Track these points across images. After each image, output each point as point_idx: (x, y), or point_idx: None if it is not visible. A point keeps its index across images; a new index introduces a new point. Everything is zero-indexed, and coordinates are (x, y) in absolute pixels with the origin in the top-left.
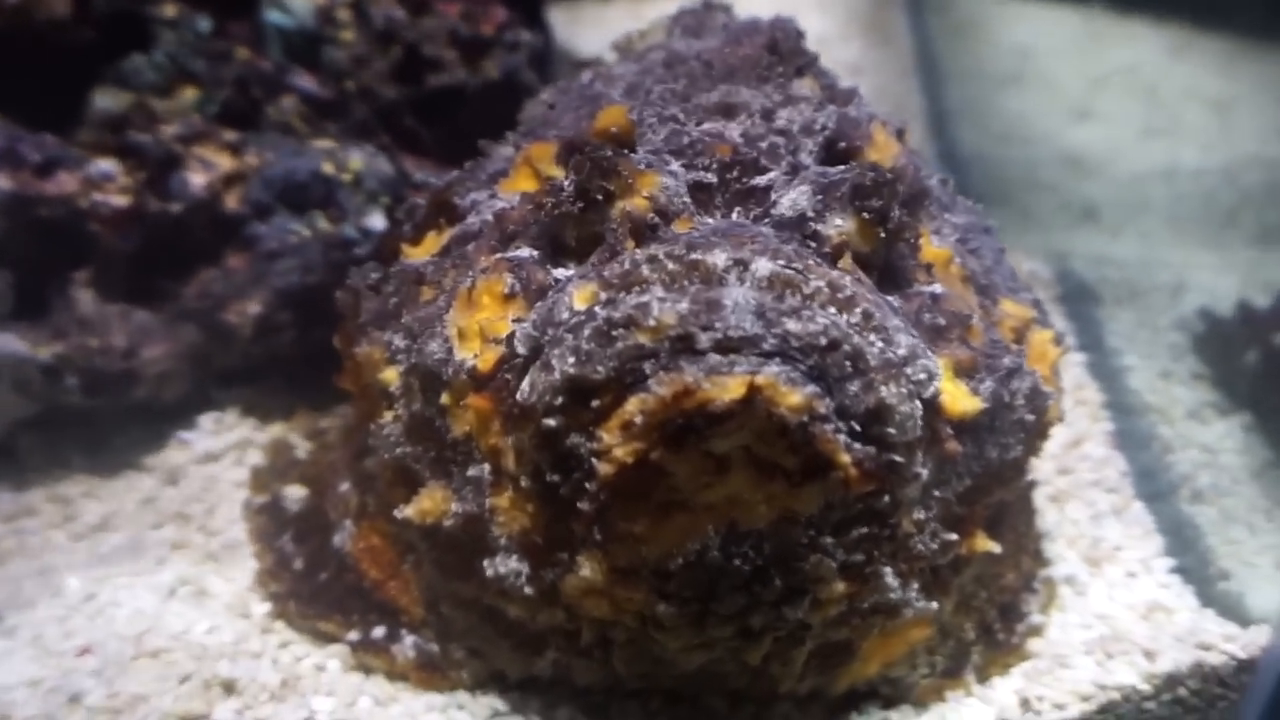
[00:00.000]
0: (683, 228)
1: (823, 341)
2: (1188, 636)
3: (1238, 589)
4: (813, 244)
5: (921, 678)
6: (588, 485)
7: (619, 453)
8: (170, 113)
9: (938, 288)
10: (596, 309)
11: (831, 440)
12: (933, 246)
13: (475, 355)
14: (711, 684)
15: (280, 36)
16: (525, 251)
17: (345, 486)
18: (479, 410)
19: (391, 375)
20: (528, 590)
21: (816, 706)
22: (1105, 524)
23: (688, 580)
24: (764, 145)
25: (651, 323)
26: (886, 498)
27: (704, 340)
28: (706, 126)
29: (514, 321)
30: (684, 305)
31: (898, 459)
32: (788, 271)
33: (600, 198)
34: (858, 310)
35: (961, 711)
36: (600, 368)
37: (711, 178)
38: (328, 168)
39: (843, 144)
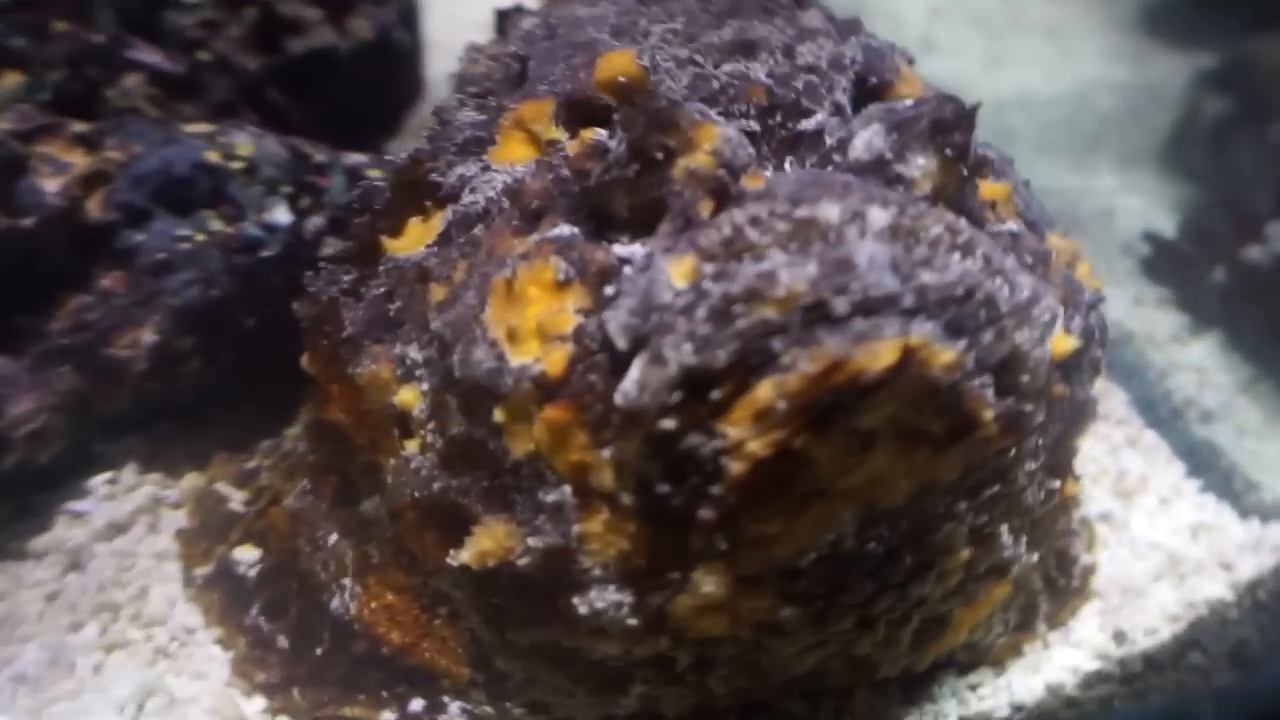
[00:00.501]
0: (753, 184)
1: (959, 291)
2: (1256, 544)
3: (1271, 497)
4: (898, 187)
5: (997, 638)
6: (712, 489)
7: (753, 446)
8: None
9: (1013, 225)
10: (706, 284)
11: (979, 397)
12: (990, 183)
13: (537, 359)
14: (810, 685)
15: (112, 2)
16: (565, 229)
17: (334, 539)
18: (553, 423)
19: (410, 396)
20: (630, 622)
21: (894, 687)
22: (1124, 456)
23: (817, 576)
24: (799, 85)
25: (780, 292)
26: (1013, 451)
27: (840, 305)
28: (729, 68)
29: (578, 313)
30: (812, 268)
31: (1028, 408)
32: (905, 220)
33: (660, 156)
34: (979, 253)
35: (1051, 660)
36: (722, 352)
37: (754, 125)
38: (212, 156)
39: (873, 79)
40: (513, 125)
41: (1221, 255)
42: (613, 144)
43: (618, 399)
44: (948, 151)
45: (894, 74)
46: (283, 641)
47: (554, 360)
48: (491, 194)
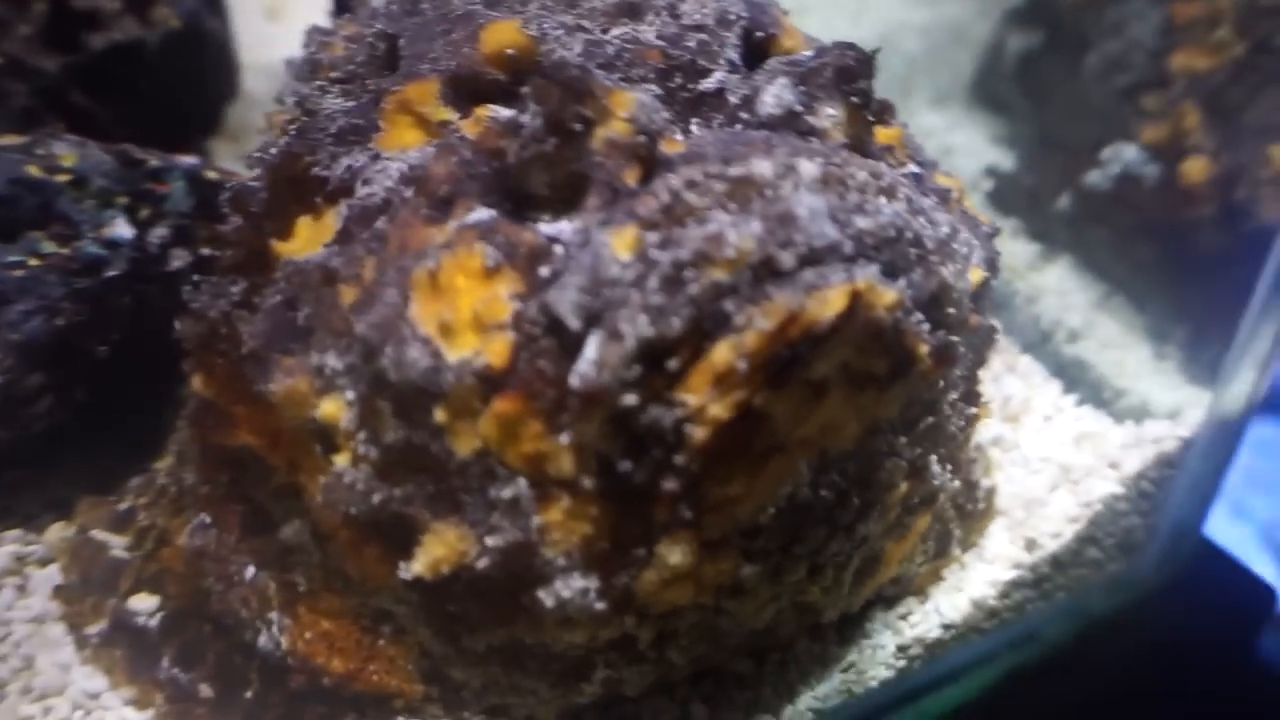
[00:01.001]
0: (672, 149)
1: (891, 233)
2: (1136, 441)
3: (1138, 400)
4: (812, 140)
5: (919, 568)
6: (675, 459)
7: (715, 410)
8: None
9: (914, 167)
10: (653, 253)
11: (916, 333)
12: (885, 128)
13: (477, 351)
14: (758, 642)
15: None
16: (483, 213)
17: (251, 572)
18: (504, 416)
19: (333, 408)
20: (598, 606)
21: (829, 631)
22: (1005, 382)
23: (775, 531)
24: (692, 45)
25: (730, 253)
26: (940, 383)
27: (787, 260)
28: (618, 33)
29: (513, 299)
30: (756, 225)
31: (954, 341)
32: (833, 169)
33: (579, 127)
34: (901, 194)
35: (970, 578)
36: (676, 320)
37: (655, 89)
38: (32, 170)
39: (759, 34)
40: (397, 109)
41: (1064, 184)
42: (525, 119)
43: (574, 381)
44: (854, 99)
45: (777, 26)
46: (206, 690)
47: (496, 350)
48: (389, 184)
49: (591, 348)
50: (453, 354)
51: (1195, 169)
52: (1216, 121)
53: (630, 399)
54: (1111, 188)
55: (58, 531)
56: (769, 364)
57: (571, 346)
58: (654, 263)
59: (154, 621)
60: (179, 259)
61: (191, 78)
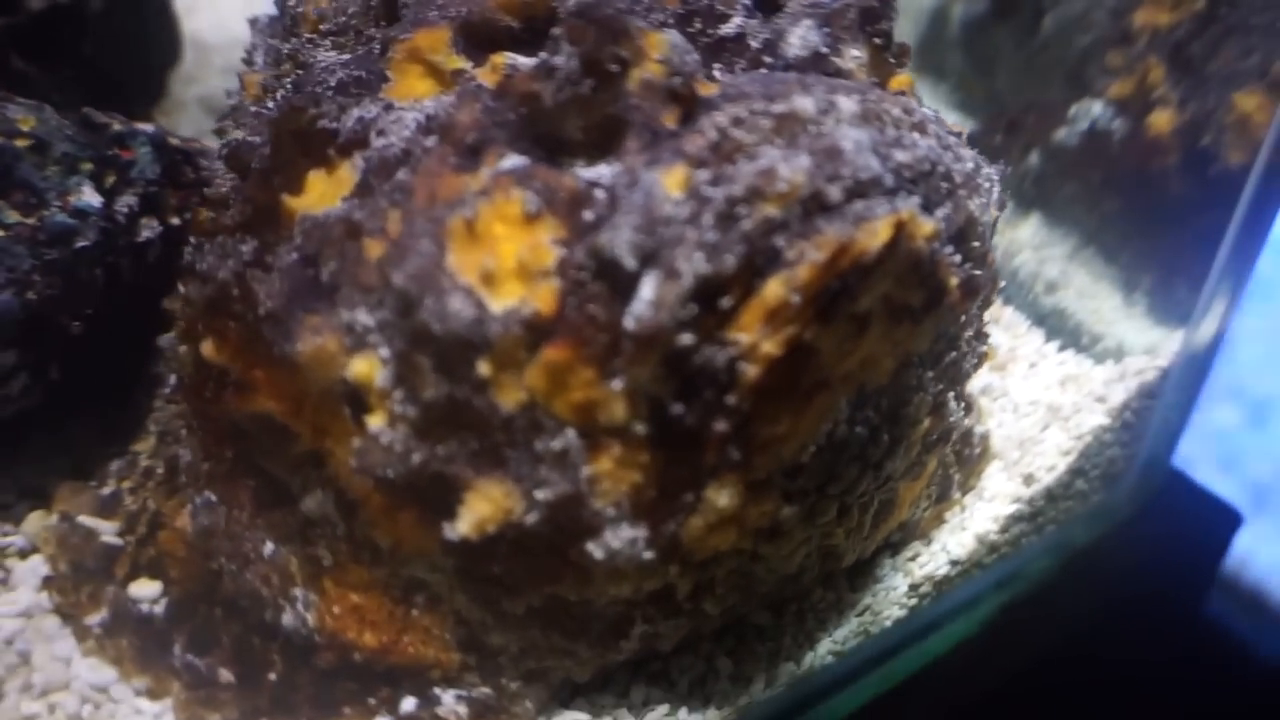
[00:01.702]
0: (706, 90)
1: (926, 166)
2: (1120, 376)
3: (1114, 343)
4: (842, 79)
5: (923, 513)
6: (726, 400)
7: (767, 347)
8: None
9: (929, 110)
10: (705, 190)
11: (949, 264)
12: (898, 73)
13: (524, 300)
14: (780, 591)
15: None
16: (516, 160)
17: (271, 548)
18: (554, 365)
19: (365, 366)
20: (646, 555)
21: (841, 579)
22: (992, 332)
23: (814, 469)
24: None
25: (782, 187)
26: (965, 316)
27: (834, 193)
28: None
29: (556, 244)
30: (805, 161)
31: (978, 274)
32: (870, 104)
33: (615, 69)
34: (930, 129)
35: (973, 517)
36: (730, 256)
37: (677, 32)
38: None
39: None
40: (407, 58)
41: (1031, 142)
42: (559, 61)
43: (628, 323)
44: (876, 40)
45: None
46: (226, 675)
47: (543, 298)
48: (407, 134)
49: (648, 288)
50: (497, 303)
51: (1161, 120)
52: (1180, 74)
53: (687, 338)
54: (1080, 143)
55: (38, 520)
56: (819, 297)
57: (624, 288)
58: (707, 199)
59: (159, 608)
60: (148, 229)
61: (134, 41)
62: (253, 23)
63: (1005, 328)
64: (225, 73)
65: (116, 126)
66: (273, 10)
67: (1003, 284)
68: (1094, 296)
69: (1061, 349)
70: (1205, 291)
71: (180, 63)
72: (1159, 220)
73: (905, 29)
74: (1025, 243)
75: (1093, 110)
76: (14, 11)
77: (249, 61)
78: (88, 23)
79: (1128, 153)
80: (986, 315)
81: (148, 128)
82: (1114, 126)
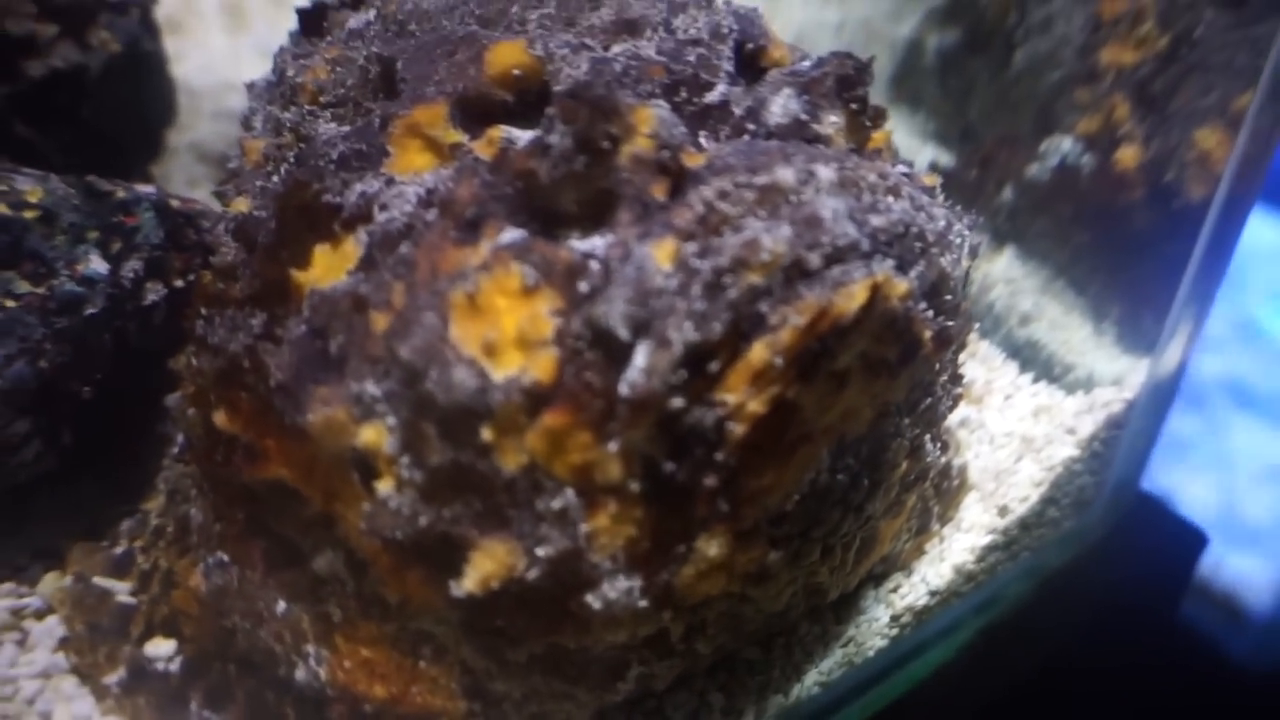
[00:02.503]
0: (694, 161)
1: (901, 229)
2: (1088, 408)
3: (1085, 373)
4: (818, 146)
5: (904, 545)
6: (715, 456)
7: (753, 406)
8: None
9: (903, 167)
10: (693, 262)
11: (923, 319)
12: (876, 131)
13: (523, 369)
14: (768, 627)
15: None
16: (514, 234)
17: (283, 606)
18: (553, 429)
19: (374, 434)
20: (641, 604)
21: (827, 612)
22: (968, 367)
23: (798, 516)
24: (691, 59)
25: (765, 257)
26: (939, 365)
27: (814, 260)
28: (620, 49)
29: (554, 315)
30: (786, 231)
31: (950, 325)
32: (847, 172)
33: (607, 145)
34: (905, 191)
35: (951, 548)
36: (717, 324)
37: (665, 104)
38: (0, 208)
39: (750, 45)
40: (406, 133)
41: (1004, 177)
42: (554, 139)
43: (623, 390)
44: (853, 106)
45: (766, 38)
46: None
47: (542, 366)
48: (408, 208)
49: (641, 356)
50: (499, 373)
51: (1128, 156)
52: (1145, 111)
53: (677, 401)
54: (1051, 179)
55: (52, 581)
56: (801, 358)
57: (619, 357)
58: (695, 271)
59: (174, 666)
60: (153, 292)
61: (132, 102)
62: (250, 87)
63: (982, 361)
64: (215, 118)
65: (120, 194)
66: (266, 73)
67: (978, 323)
68: (1065, 328)
69: (1035, 380)
70: (1169, 321)
71: (178, 117)
72: (1126, 253)
73: (883, 59)
74: (1000, 277)
75: (1063, 146)
76: (16, 79)
77: (247, 126)
78: (87, 87)
79: (1096, 188)
80: (963, 355)
81: (150, 191)
82: (1083, 162)
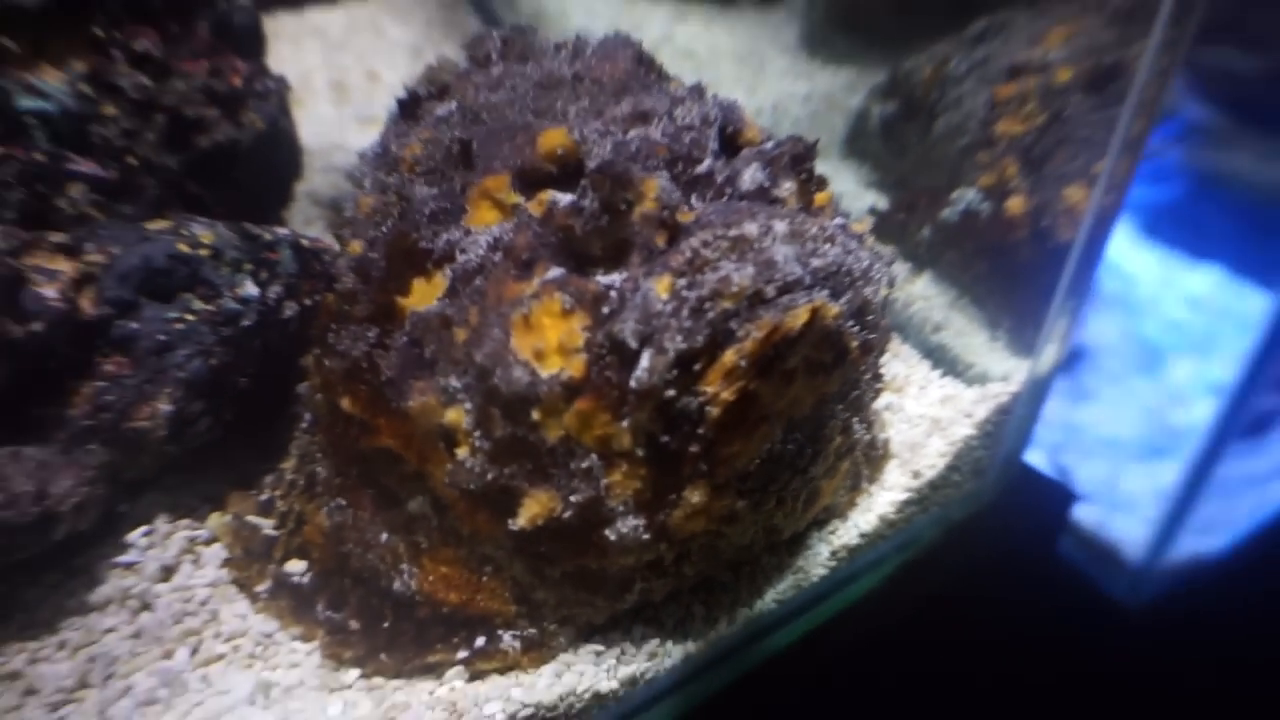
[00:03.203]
0: (685, 218)
1: (835, 268)
2: (982, 398)
3: (981, 371)
4: (777, 206)
5: (841, 497)
6: (699, 431)
7: (725, 395)
8: None
9: (840, 220)
10: (683, 292)
11: (850, 333)
12: (820, 193)
13: (562, 369)
14: (737, 556)
15: (44, 124)
16: (556, 271)
17: (385, 536)
18: (583, 412)
19: (456, 415)
20: (645, 536)
21: (783, 546)
22: (892, 365)
23: (759, 475)
24: (687, 141)
25: (735, 289)
26: (863, 367)
27: (770, 291)
28: (635, 133)
29: (584, 330)
30: (750, 270)
31: (872, 337)
32: (796, 226)
33: (624, 207)
34: (838, 240)
35: (876, 501)
36: (700, 337)
37: (666, 174)
38: (182, 247)
39: (731, 128)
40: (479, 196)
41: (924, 219)
42: (585, 203)
43: (633, 383)
44: (802, 176)
45: (742, 123)
46: (354, 624)
47: (575, 367)
48: (481, 252)
49: (645, 360)
50: (545, 371)
51: (1015, 205)
52: (1028, 170)
53: (670, 392)
54: (958, 221)
55: (216, 519)
56: (760, 361)
57: (630, 360)
58: (685, 299)
59: (305, 579)
60: (289, 309)
61: (272, 165)
62: (361, 156)
63: (903, 359)
64: (325, 171)
65: (266, 236)
66: (373, 143)
67: (901, 329)
68: (967, 335)
69: (943, 375)
70: (1044, 332)
71: (302, 173)
72: (1014, 278)
73: (839, 123)
74: (919, 294)
75: (968, 195)
76: (190, 149)
77: (359, 185)
78: (240, 156)
79: (992, 228)
80: (886, 356)
81: (286, 234)
82: (983, 208)
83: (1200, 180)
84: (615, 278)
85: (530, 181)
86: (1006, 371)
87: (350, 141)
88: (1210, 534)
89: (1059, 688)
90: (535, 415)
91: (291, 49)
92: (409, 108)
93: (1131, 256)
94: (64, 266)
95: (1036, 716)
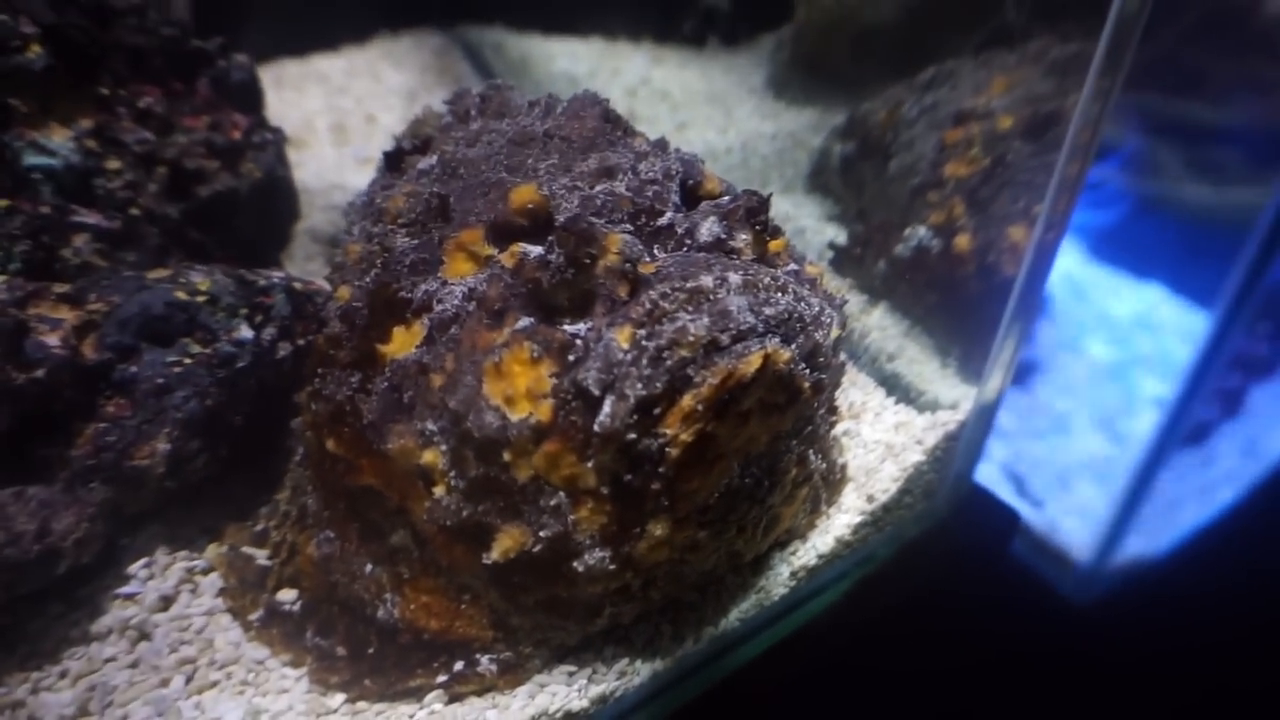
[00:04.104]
0: (646, 270)
1: (786, 315)
2: (932, 425)
3: (932, 398)
4: (733, 256)
5: (800, 520)
6: (660, 469)
7: (684, 436)
8: None
9: (793, 265)
10: (643, 342)
11: (802, 376)
12: (774, 241)
13: (530, 413)
14: (702, 580)
15: (50, 178)
16: (525, 321)
17: (370, 568)
18: (550, 453)
19: (432, 457)
20: (610, 567)
21: (746, 567)
22: (849, 393)
23: (718, 508)
24: (649, 194)
25: (690, 338)
26: (816, 404)
27: (725, 339)
28: (601, 188)
29: (551, 376)
30: (705, 320)
31: (823, 377)
32: (749, 276)
33: (588, 261)
34: (790, 289)
35: (835, 521)
36: (659, 383)
37: (629, 227)
38: (180, 294)
39: (691, 181)
40: (455, 248)
41: (879, 253)
42: (552, 257)
43: (596, 428)
44: (757, 227)
45: (702, 176)
46: (340, 651)
47: (543, 412)
48: (456, 302)
49: (607, 405)
50: (515, 415)
51: (962, 241)
52: (974, 210)
53: (631, 435)
54: (910, 256)
55: (214, 550)
56: (716, 404)
57: (593, 405)
58: (644, 348)
59: (296, 607)
60: (283, 349)
61: (270, 211)
62: (350, 205)
63: (860, 387)
64: (325, 210)
65: (261, 281)
66: (361, 194)
67: (857, 358)
68: (919, 363)
69: (897, 402)
70: (990, 361)
71: (299, 218)
72: (962, 310)
73: (803, 160)
74: (874, 325)
75: (919, 232)
76: (190, 199)
77: (348, 233)
78: (238, 204)
79: (942, 263)
80: (844, 382)
81: (281, 277)
82: (933, 244)
83: (1140, 204)
84: (580, 327)
85: (503, 234)
86: (955, 399)
87: (349, 181)
88: (1152, 536)
89: (1012, 680)
90: (506, 456)
91: (295, 94)
92: (393, 160)
93: (1080, 277)
94: (66, 315)
95: (992, 707)
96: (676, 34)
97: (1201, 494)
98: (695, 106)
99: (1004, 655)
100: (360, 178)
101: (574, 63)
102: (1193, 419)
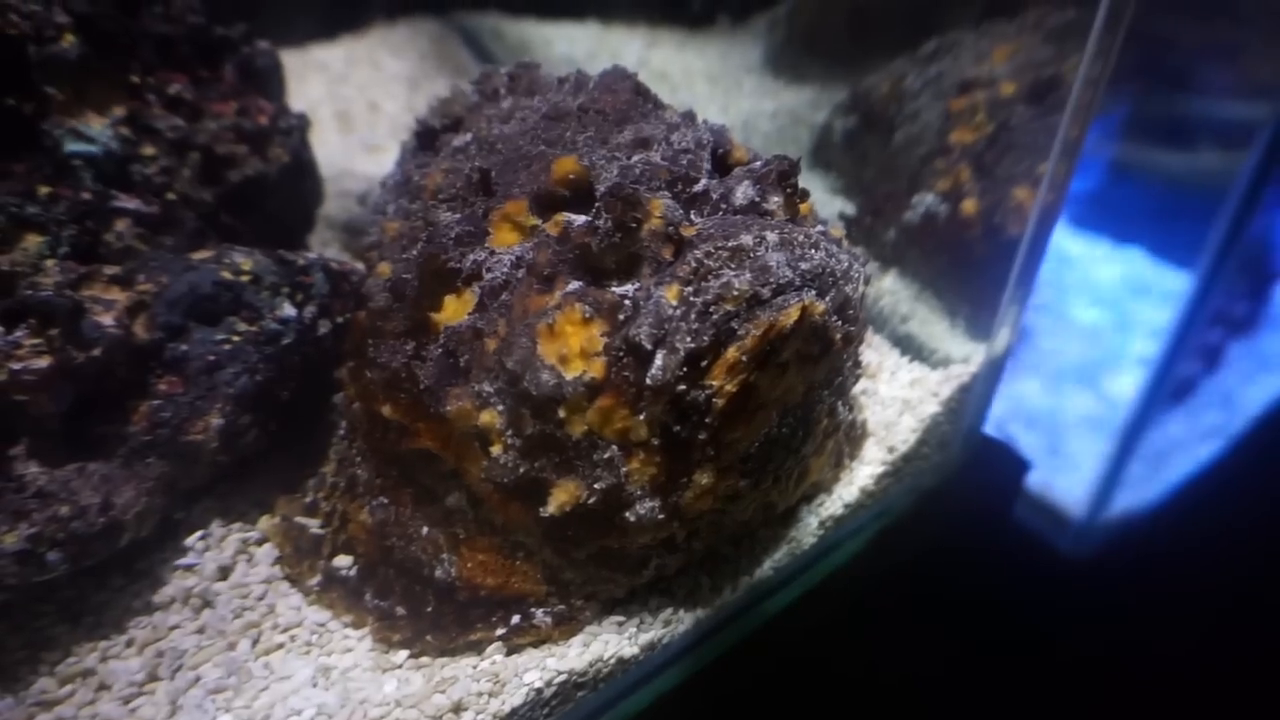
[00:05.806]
0: (688, 232)
1: (819, 270)
2: (946, 378)
3: (944, 355)
4: (767, 218)
5: (826, 474)
6: (706, 420)
7: (729, 387)
8: (23, 264)
9: (821, 226)
10: (691, 298)
11: (835, 327)
12: (803, 203)
13: (584, 371)
14: (738, 530)
15: (90, 165)
16: (575, 284)
17: (426, 530)
18: (604, 408)
19: (489, 417)
20: (660, 516)
21: (777, 519)
22: (866, 354)
23: (759, 457)
24: (684, 163)
25: (735, 292)
26: (845, 355)
27: (766, 293)
28: (638, 158)
29: (602, 336)
30: (748, 276)
31: (852, 329)
32: (785, 235)
33: (634, 225)
34: (822, 245)
35: (859, 473)
36: (706, 337)
37: (668, 194)
38: (225, 274)
39: (722, 150)
40: (501, 219)
41: (889, 222)
42: (600, 223)
43: (648, 381)
44: (788, 190)
45: (731, 145)
46: (400, 610)
47: (596, 369)
48: (505, 270)
49: (659, 359)
50: (569, 374)
51: (969, 205)
52: (980, 174)
53: (681, 387)
54: (919, 222)
55: (266, 521)
56: (759, 356)
57: (645, 361)
58: (692, 304)
59: (353, 572)
60: (323, 327)
61: (297, 195)
62: (383, 184)
63: (875, 348)
64: (336, 197)
65: (300, 261)
66: (379, 168)
67: (872, 323)
68: (931, 323)
69: (911, 361)
70: (998, 317)
71: (324, 199)
72: (970, 272)
73: (805, 137)
74: (887, 290)
75: (927, 199)
76: (223, 184)
77: (382, 212)
78: (268, 188)
79: (950, 228)
80: (862, 347)
81: (317, 258)
82: (941, 210)
83: (1119, 169)
84: (629, 288)
85: (546, 205)
86: (966, 354)
87: (357, 168)
88: (1141, 490)
89: (1015, 629)
90: (562, 413)
91: (297, 83)
92: (426, 138)
93: (1062, 243)
94: (118, 296)
95: (995, 655)
96: (684, 13)
97: (1185, 448)
98: (694, 87)
99: (1005, 604)
100: (369, 164)
101: (572, 46)
102: (1177, 375)
